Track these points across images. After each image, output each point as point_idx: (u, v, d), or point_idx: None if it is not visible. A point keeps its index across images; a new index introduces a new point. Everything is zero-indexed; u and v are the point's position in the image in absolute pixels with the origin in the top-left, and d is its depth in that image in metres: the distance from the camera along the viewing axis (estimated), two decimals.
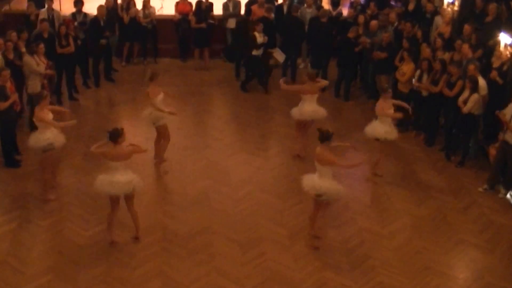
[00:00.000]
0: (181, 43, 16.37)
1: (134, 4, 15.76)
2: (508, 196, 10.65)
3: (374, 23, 14.16)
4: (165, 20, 16.26)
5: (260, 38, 14.40)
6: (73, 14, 14.72)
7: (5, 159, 11.25)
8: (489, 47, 12.22)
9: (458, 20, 13.52)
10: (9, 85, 11.06)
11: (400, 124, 13.08)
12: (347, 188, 10.96)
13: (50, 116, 10.07)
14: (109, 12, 14.98)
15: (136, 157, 9.19)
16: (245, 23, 15.12)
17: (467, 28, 12.71)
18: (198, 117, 13.55)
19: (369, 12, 15.01)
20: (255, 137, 12.69)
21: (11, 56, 12.08)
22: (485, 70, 11.68)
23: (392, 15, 14.50)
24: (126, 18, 15.51)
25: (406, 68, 12.63)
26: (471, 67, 11.29)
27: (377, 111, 10.87)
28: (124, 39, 15.81)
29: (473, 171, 11.51)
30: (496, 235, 9.76)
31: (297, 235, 9.53)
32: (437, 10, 14.44)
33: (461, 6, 13.71)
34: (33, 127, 11.38)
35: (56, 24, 14.22)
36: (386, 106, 10.81)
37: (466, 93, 11.25)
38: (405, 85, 12.72)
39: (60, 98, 13.70)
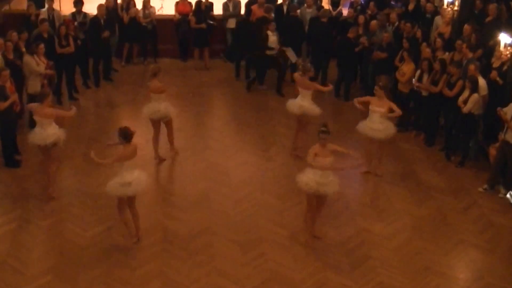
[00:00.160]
0: (181, 43, 16.37)
1: (134, 4, 15.76)
2: (508, 196, 10.65)
3: (374, 23, 14.17)
4: (165, 20, 16.26)
5: (272, 36, 14.39)
6: (73, 14, 14.71)
7: (5, 159, 11.25)
8: (489, 47, 12.22)
9: (458, 21, 13.51)
10: (8, 85, 11.06)
11: (400, 124, 13.12)
12: (347, 188, 11.03)
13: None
14: (109, 12, 14.97)
15: (136, 158, 9.17)
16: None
17: (467, 28, 12.71)
18: (198, 118, 13.55)
19: (369, 12, 15.02)
20: (255, 138, 12.69)
21: (11, 56, 12.08)
22: (485, 70, 11.68)
23: (393, 15, 14.50)
24: (126, 18, 15.52)
25: (406, 68, 12.63)
26: (472, 67, 11.29)
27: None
28: (124, 39, 15.81)
29: (473, 171, 11.51)
30: (496, 235, 9.76)
31: (297, 235, 9.52)
32: (437, 10, 14.45)
33: (461, 6, 13.70)
34: (33, 127, 11.38)
35: (57, 24, 14.22)
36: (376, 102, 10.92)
37: (466, 93, 11.25)
38: (405, 85, 12.72)
39: (60, 98, 13.69)
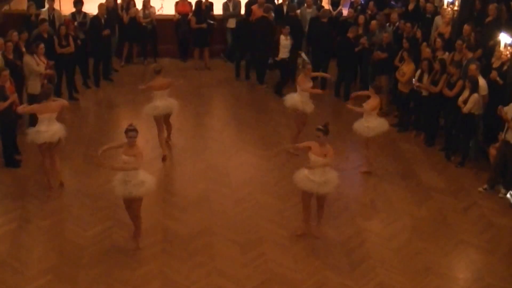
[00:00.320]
0: (181, 43, 16.37)
1: (134, 4, 15.76)
2: (508, 196, 10.65)
3: (374, 23, 14.18)
4: (165, 20, 16.26)
5: (285, 41, 14.33)
6: (73, 14, 14.72)
7: (5, 160, 11.24)
8: (489, 47, 12.22)
9: (458, 21, 13.51)
10: (8, 85, 11.06)
11: (400, 124, 13.14)
12: (347, 188, 11.03)
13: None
14: (109, 12, 14.97)
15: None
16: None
17: (466, 28, 12.71)
18: (198, 118, 13.55)
19: (368, 12, 15.03)
20: (255, 138, 12.69)
21: (10, 56, 12.07)
22: (485, 70, 11.68)
23: (394, 15, 14.51)
24: (125, 18, 15.52)
25: (406, 68, 12.63)
26: (472, 67, 11.28)
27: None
28: (124, 39, 15.81)
29: (473, 172, 11.51)
30: (496, 236, 9.75)
31: (297, 235, 9.52)
32: (437, 10, 14.45)
33: (461, 6, 13.70)
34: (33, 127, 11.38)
35: (57, 24, 14.22)
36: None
37: (466, 93, 11.25)
38: (405, 85, 12.73)
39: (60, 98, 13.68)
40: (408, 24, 13.57)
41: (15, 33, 12.58)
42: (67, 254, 8.98)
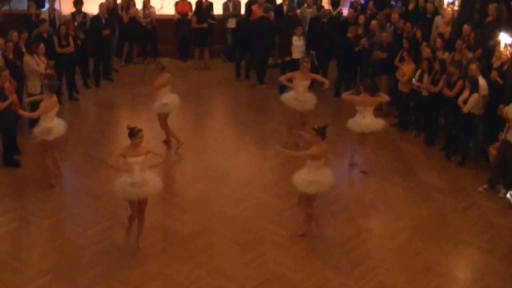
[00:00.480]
0: (181, 43, 16.36)
1: (134, 4, 15.76)
2: (508, 196, 10.65)
3: (374, 23, 14.17)
4: (165, 20, 16.24)
5: (298, 41, 14.23)
6: (73, 14, 14.71)
7: (5, 160, 11.23)
8: (489, 47, 12.22)
9: (458, 21, 13.51)
10: (8, 85, 11.05)
11: (400, 124, 13.14)
12: (347, 188, 11.05)
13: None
14: (109, 11, 14.97)
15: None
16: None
17: (466, 28, 12.72)
18: (198, 118, 13.55)
19: (368, 12, 15.03)
20: (255, 138, 12.69)
21: (10, 56, 12.07)
22: (485, 70, 11.67)
23: (394, 15, 14.51)
24: (125, 18, 15.52)
25: (406, 68, 12.63)
26: (473, 67, 11.27)
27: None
28: (124, 39, 15.81)
29: (473, 172, 11.51)
30: (496, 236, 9.75)
31: (297, 235, 9.51)
32: (437, 10, 14.44)
33: (461, 6, 13.70)
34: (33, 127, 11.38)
35: (57, 24, 14.22)
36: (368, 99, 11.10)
37: (466, 93, 11.25)
38: (405, 85, 12.73)
39: (60, 98, 13.65)
40: (408, 24, 13.57)
41: (15, 33, 12.57)
42: (67, 254, 8.98)
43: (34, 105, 11.44)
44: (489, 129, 11.59)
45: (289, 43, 14.32)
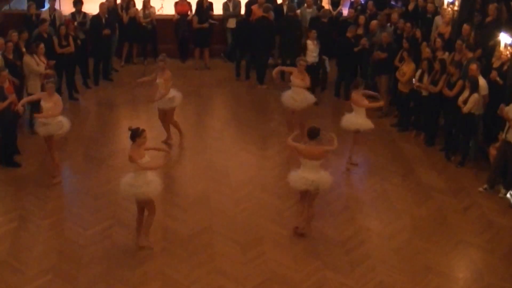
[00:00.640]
0: (181, 43, 16.36)
1: (134, 4, 15.76)
2: (508, 196, 10.65)
3: (374, 23, 14.17)
4: (165, 20, 16.26)
5: (312, 45, 13.99)
6: (73, 14, 14.72)
7: (5, 159, 11.23)
8: (489, 47, 12.22)
9: (458, 21, 13.52)
10: (7, 85, 11.05)
11: (400, 124, 13.14)
12: (347, 187, 11.05)
13: (48, 104, 10.42)
14: (109, 11, 14.98)
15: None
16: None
17: (466, 27, 12.72)
18: (198, 118, 13.55)
19: (368, 12, 15.03)
20: (255, 137, 12.69)
21: (10, 56, 12.07)
22: (485, 70, 11.68)
23: (394, 15, 14.51)
24: (125, 18, 15.52)
25: (406, 68, 12.64)
26: (473, 66, 11.27)
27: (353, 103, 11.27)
28: (124, 39, 15.81)
29: (473, 172, 11.51)
30: (496, 235, 9.75)
31: (297, 235, 9.51)
32: (437, 10, 14.45)
33: (461, 6, 13.70)
34: (33, 127, 11.41)
35: (58, 24, 14.22)
36: (360, 98, 11.20)
37: (466, 93, 11.25)
38: (405, 85, 12.73)
39: None
40: (408, 24, 13.58)
41: (15, 33, 12.57)
42: (67, 253, 8.98)
43: (35, 105, 11.46)
44: (489, 129, 11.60)
45: (305, 48, 14.00)
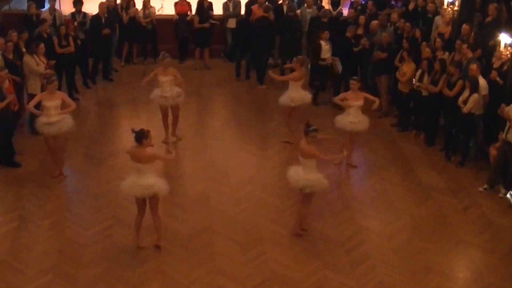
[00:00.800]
0: (180, 43, 16.35)
1: (134, 4, 15.77)
2: (508, 196, 10.65)
3: (374, 23, 14.17)
4: (165, 20, 16.27)
5: (326, 46, 13.99)
6: (73, 14, 14.73)
7: (5, 160, 11.23)
8: (489, 47, 12.22)
9: (458, 21, 13.52)
10: (7, 85, 11.05)
11: (400, 124, 13.14)
12: (347, 187, 11.05)
13: (54, 102, 10.44)
14: (109, 11, 14.98)
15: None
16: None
17: (465, 27, 12.72)
18: (198, 117, 13.56)
19: (367, 12, 15.03)
20: (255, 137, 12.70)
21: (10, 56, 12.07)
22: (485, 70, 11.68)
23: (394, 15, 14.52)
24: (125, 18, 15.53)
25: (406, 68, 12.64)
26: (473, 66, 11.27)
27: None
28: (124, 39, 15.81)
29: (473, 171, 11.51)
30: (496, 235, 9.75)
31: (297, 235, 9.51)
32: (437, 10, 14.45)
33: (461, 6, 13.70)
34: (33, 127, 11.40)
35: (58, 24, 14.23)
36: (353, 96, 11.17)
37: (466, 93, 11.25)
38: (405, 85, 12.74)
39: None
40: (408, 24, 13.58)
41: (15, 33, 12.57)
42: (67, 253, 8.98)
43: (34, 105, 11.46)
44: (489, 129, 11.60)
45: (319, 49, 13.98)
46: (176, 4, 16.08)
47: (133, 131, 8.73)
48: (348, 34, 14.04)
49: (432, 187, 11.03)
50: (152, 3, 15.93)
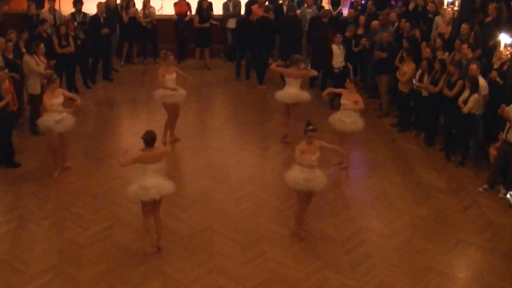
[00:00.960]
0: (180, 43, 16.35)
1: (134, 4, 15.77)
2: (508, 196, 10.65)
3: (375, 23, 14.17)
4: (165, 20, 16.28)
5: (338, 50, 13.80)
6: (73, 14, 14.73)
7: (5, 160, 11.22)
8: (489, 48, 12.22)
9: (458, 21, 13.52)
10: (7, 85, 11.05)
11: (400, 124, 13.14)
12: (347, 187, 11.05)
13: (57, 100, 10.53)
14: (110, 11, 14.98)
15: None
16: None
17: (465, 27, 12.72)
18: (198, 117, 13.56)
19: (367, 11, 15.03)
20: (256, 137, 12.70)
21: (10, 56, 12.07)
22: (485, 70, 11.67)
23: (392, 15, 14.52)
24: (125, 18, 15.53)
25: (407, 68, 12.63)
26: (473, 66, 11.27)
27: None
28: (124, 39, 15.81)
29: (473, 171, 11.51)
30: (496, 235, 9.75)
31: (297, 234, 9.51)
32: (438, 10, 14.45)
33: (461, 6, 13.71)
34: (34, 127, 11.43)
35: (58, 24, 14.23)
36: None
37: (466, 93, 11.25)
38: (405, 85, 12.73)
39: None
40: (408, 24, 13.58)
41: (14, 33, 12.57)
42: (67, 253, 8.98)
43: (35, 105, 11.47)
44: (489, 129, 11.60)
45: (332, 52, 13.80)
46: (175, 4, 16.09)
47: (142, 138, 8.71)
48: (347, 34, 14.04)
49: (432, 187, 11.03)
50: (152, 3, 15.93)
